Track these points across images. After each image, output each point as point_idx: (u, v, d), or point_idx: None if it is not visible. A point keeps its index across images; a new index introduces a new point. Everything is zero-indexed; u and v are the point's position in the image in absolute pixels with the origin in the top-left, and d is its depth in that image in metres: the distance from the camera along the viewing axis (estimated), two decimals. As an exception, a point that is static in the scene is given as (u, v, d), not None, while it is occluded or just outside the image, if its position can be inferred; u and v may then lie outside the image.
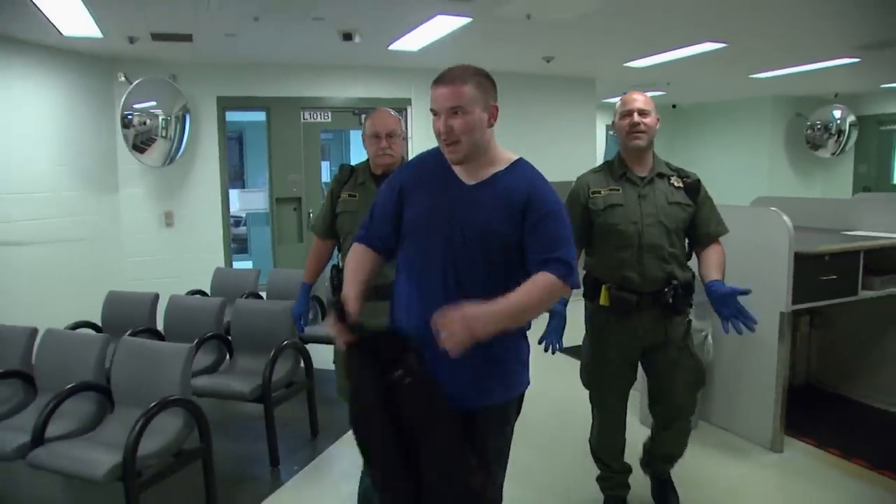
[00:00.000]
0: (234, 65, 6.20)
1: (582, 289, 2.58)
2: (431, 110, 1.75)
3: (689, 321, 2.61)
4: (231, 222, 6.83)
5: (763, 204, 4.38)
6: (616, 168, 2.55)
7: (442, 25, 4.87)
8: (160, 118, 5.71)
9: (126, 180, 6.02)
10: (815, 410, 3.94)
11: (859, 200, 5.28)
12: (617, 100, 2.57)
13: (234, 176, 9.99)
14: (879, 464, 3.20)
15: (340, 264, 2.83)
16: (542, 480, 3.13)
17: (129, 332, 3.51)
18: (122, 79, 5.72)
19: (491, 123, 1.77)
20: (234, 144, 10.13)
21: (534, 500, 2.96)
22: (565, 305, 2.44)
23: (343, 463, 3.43)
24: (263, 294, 4.87)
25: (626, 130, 2.48)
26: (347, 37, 4.95)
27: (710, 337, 3.41)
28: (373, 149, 2.66)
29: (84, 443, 2.71)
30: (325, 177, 7.25)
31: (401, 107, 6.69)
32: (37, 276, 5.07)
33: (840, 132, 9.38)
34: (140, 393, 2.79)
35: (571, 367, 2.91)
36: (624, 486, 2.81)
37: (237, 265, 7.10)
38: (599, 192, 2.52)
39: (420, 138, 6.71)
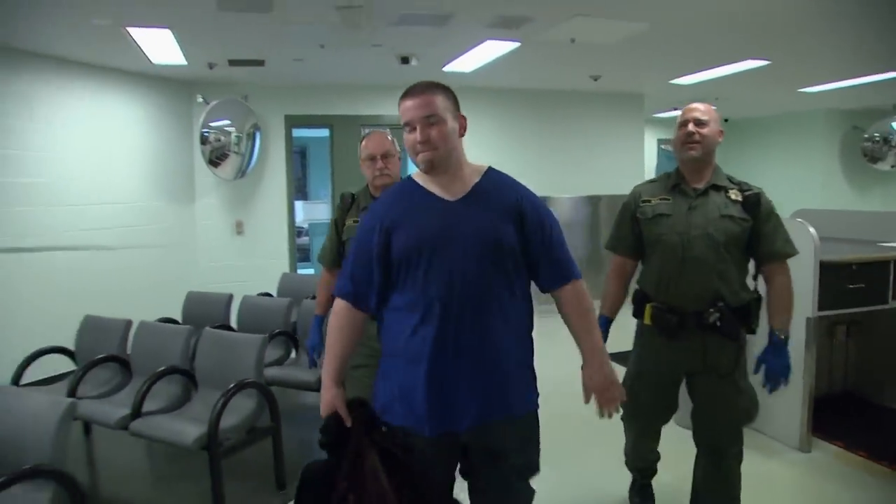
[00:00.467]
0: (300, 86, 6.69)
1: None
2: (405, 124, 1.75)
3: (741, 348, 2.39)
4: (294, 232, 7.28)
5: (802, 216, 4.49)
6: (672, 179, 2.46)
7: (492, 49, 5.22)
8: (233, 135, 6.25)
9: (202, 192, 6.58)
10: (849, 416, 4.02)
11: (901, 212, 5.28)
12: (667, 114, 2.62)
13: (298, 188, 10.47)
14: (906, 465, 3.29)
15: None
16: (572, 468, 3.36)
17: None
18: (200, 100, 6.29)
19: (461, 134, 1.81)
20: (297, 159, 10.59)
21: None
22: (606, 327, 2.52)
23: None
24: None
25: (682, 140, 2.38)
26: (405, 60, 5.37)
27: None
28: (370, 171, 2.69)
29: (174, 417, 3.14)
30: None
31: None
32: (126, 276, 5.66)
33: (900, 144, 9.23)
34: (220, 376, 3.20)
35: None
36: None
37: (300, 272, 7.54)
38: (649, 202, 2.46)
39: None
